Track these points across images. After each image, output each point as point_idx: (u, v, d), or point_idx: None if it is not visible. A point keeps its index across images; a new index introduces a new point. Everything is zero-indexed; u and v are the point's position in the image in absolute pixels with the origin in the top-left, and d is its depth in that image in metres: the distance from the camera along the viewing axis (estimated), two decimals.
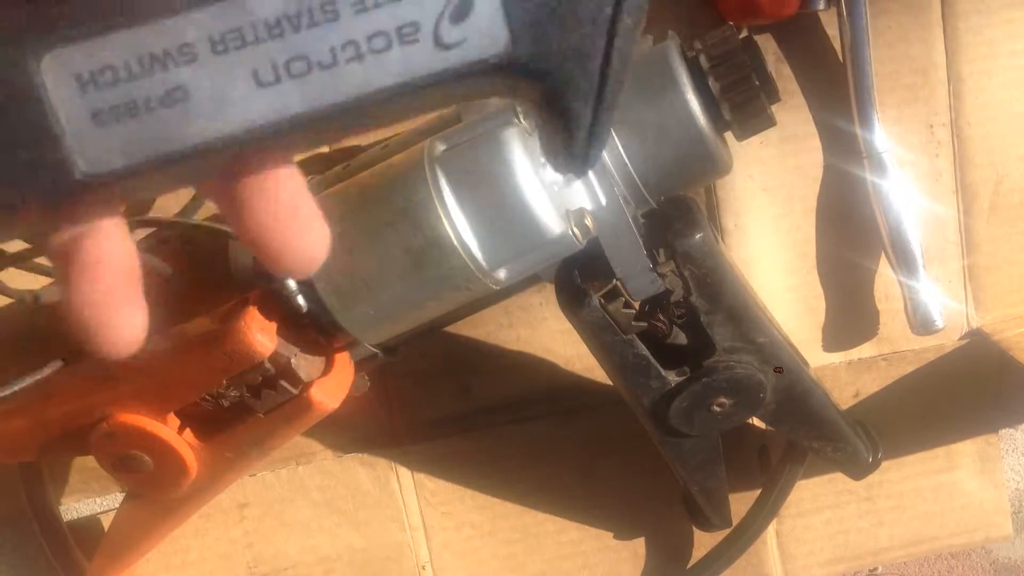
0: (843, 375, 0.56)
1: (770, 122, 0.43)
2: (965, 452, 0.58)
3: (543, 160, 0.39)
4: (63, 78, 0.19)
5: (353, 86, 0.20)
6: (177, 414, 0.45)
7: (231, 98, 0.20)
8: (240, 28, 0.19)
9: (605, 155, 0.41)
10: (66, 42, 0.19)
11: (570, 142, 0.22)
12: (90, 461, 0.49)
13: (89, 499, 0.56)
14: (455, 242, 0.39)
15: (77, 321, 0.21)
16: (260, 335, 0.41)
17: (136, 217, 0.44)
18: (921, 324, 0.51)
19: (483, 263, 0.40)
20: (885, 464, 0.52)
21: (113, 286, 0.21)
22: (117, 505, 0.54)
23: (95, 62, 0.19)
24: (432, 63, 0.20)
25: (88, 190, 0.20)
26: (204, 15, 0.19)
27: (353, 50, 0.20)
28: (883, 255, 0.52)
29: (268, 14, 0.19)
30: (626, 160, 0.41)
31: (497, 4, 0.20)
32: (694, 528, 0.57)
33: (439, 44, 0.20)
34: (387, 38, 0.20)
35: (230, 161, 0.20)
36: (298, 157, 0.23)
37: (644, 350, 0.44)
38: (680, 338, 0.45)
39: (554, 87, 0.21)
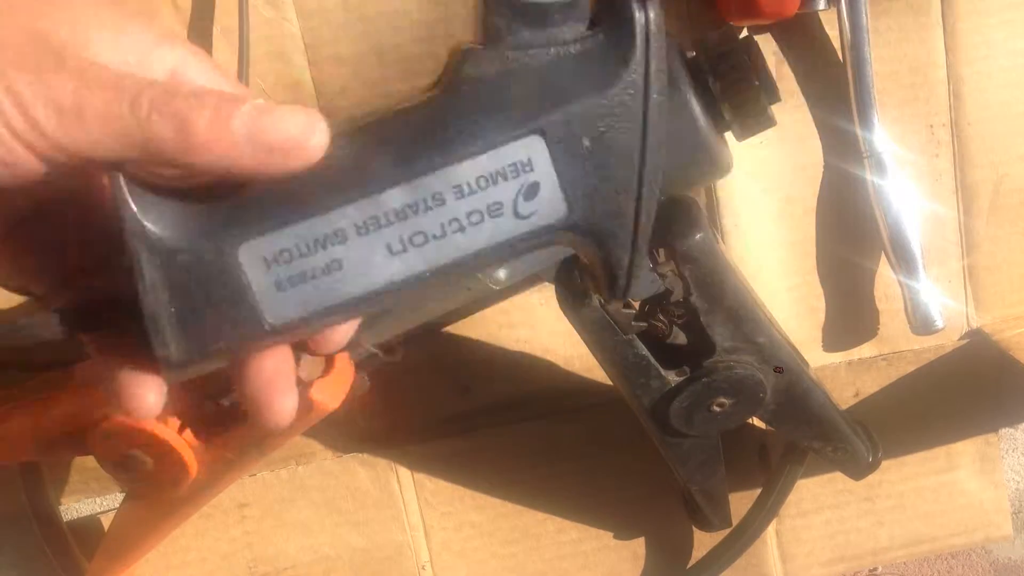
0: (843, 375, 0.56)
1: (770, 122, 0.43)
2: (965, 452, 0.58)
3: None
4: (255, 260, 0.26)
5: (459, 249, 0.28)
6: (177, 414, 0.45)
7: (373, 264, 0.27)
8: (376, 216, 0.27)
9: None
10: (257, 235, 0.26)
11: (614, 279, 0.29)
12: (90, 461, 0.49)
13: (89, 499, 0.56)
14: None
15: (248, 400, 0.29)
16: None
17: None
18: (921, 324, 0.51)
19: None
20: (885, 464, 0.52)
21: (274, 379, 0.28)
22: (117, 505, 0.54)
23: (276, 247, 0.27)
24: (514, 229, 0.28)
25: (272, 335, 0.27)
26: (351, 208, 0.27)
27: (457, 224, 0.27)
28: (883, 255, 0.52)
29: (396, 205, 0.27)
30: None
31: (556, 186, 0.28)
32: (694, 528, 0.57)
33: (518, 215, 0.28)
34: (480, 214, 0.27)
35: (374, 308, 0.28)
36: None
37: (644, 350, 0.44)
38: (680, 338, 0.45)
39: (601, 240, 0.29)
